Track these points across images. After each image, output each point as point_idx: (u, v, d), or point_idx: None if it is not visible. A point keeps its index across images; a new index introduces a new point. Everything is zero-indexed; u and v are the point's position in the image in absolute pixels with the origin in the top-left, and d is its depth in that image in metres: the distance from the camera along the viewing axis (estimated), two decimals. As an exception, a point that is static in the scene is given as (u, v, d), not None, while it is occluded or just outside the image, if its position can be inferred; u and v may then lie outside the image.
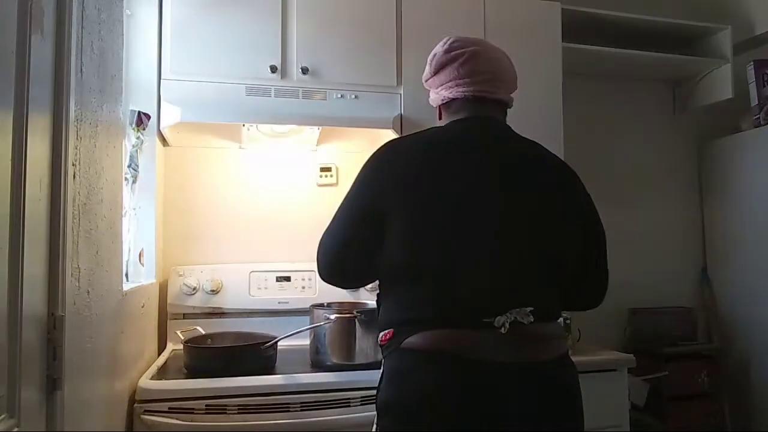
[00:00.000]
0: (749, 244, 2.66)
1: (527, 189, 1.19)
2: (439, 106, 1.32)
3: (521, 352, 1.08)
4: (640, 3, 2.63)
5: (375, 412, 1.16)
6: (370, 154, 1.25)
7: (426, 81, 1.35)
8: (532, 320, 1.09)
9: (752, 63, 2.68)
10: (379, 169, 1.21)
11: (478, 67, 1.25)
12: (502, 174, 1.18)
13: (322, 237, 1.25)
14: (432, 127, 1.30)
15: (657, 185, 2.87)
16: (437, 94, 1.31)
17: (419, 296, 1.12)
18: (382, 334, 1.18)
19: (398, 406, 1.09)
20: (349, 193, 1.23)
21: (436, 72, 1.29)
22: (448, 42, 1.29)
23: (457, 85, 1.26)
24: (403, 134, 2.05)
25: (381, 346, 1.19)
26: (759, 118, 2.64)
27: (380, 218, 1.15)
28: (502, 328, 1.07)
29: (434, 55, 1.30)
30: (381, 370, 1.17)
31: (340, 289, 1.32)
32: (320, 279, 1.30)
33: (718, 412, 2.59)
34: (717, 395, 2.58)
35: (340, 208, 1.23)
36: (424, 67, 1.35)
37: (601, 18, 2.49)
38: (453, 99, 1.27)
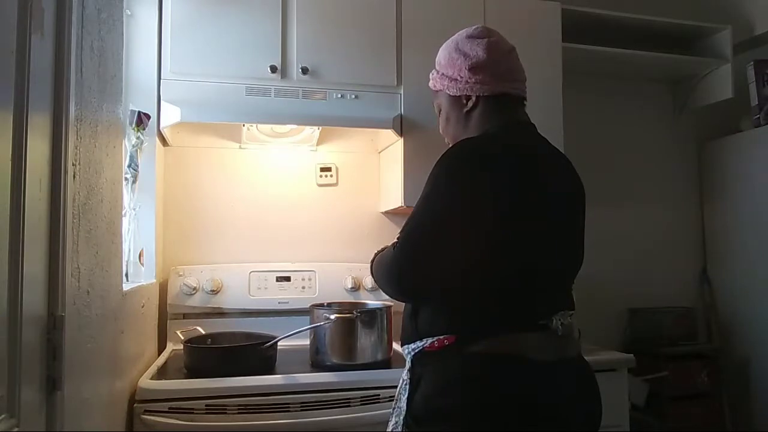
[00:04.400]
0: (749, 244, 2.66)
1: (564, 199, 1.23)
2: (477, 96, 1.24)
3: (561, 350, 1.14)
4: (640, 3, 2.63)
5: (404, 416, 1.14)
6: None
7: (455, 62, 1.25)
8: (570, 321, 1.17)
9: (752, 63, 2.69)
10: (463, 174, 1.14)
11: (518, 65, 1.27)
12: (550, 183, 1.20)
13: (404, 238, 1.14)
14: (499, 132, 1.22)
15: (657, 185, 2.87)
16: (475, 82, 1.23)
17: (483, 300, 1.12)
18: (435, 339, 1.13)
19: (466, 410, 1.08)
20: (430, 194, 1.15)
21: (479, 59, 1.22)
22: (481, 30, 1.26)
23: (509, 80, 1.24)
24: (403, 134, 2.07)
25: (429, 351, 1.14)
26: (759, 118, 2.64)
27: (460, 221, 1.11)
28: (558, 330, 1.13)
29: (474, 40, 1.24)
30: (415, 376, 1.15)
31: (401, 300, 1.24)
32: (386, 293, 1.21)
33: (718, 412, 2.59)
34: (717, 395, 2.58)
35: (420, 209, 1.15)
36: (449, 59, 1.27)
37: (601, 18, 2.49)
38: (504, 94, 1.23)
